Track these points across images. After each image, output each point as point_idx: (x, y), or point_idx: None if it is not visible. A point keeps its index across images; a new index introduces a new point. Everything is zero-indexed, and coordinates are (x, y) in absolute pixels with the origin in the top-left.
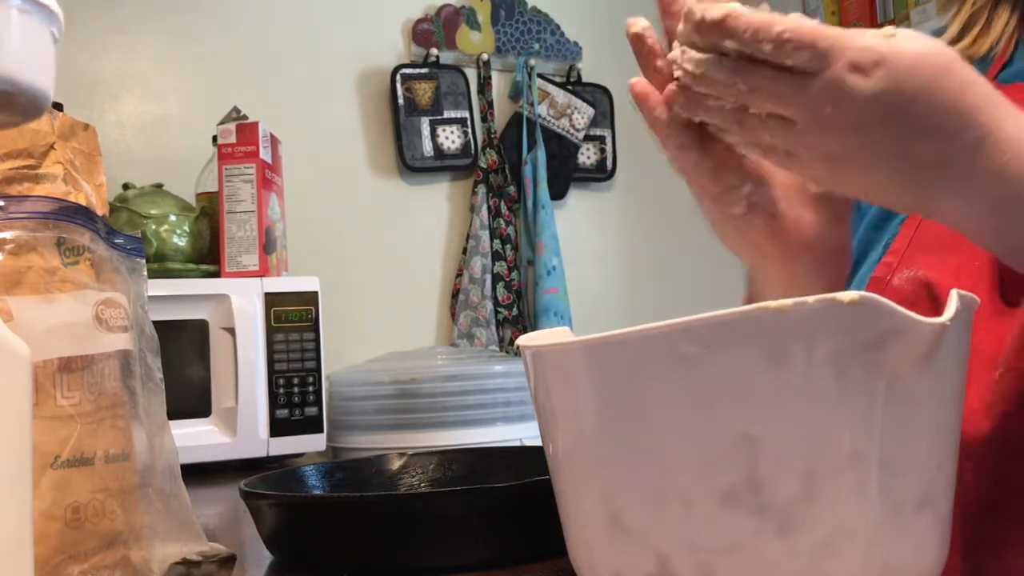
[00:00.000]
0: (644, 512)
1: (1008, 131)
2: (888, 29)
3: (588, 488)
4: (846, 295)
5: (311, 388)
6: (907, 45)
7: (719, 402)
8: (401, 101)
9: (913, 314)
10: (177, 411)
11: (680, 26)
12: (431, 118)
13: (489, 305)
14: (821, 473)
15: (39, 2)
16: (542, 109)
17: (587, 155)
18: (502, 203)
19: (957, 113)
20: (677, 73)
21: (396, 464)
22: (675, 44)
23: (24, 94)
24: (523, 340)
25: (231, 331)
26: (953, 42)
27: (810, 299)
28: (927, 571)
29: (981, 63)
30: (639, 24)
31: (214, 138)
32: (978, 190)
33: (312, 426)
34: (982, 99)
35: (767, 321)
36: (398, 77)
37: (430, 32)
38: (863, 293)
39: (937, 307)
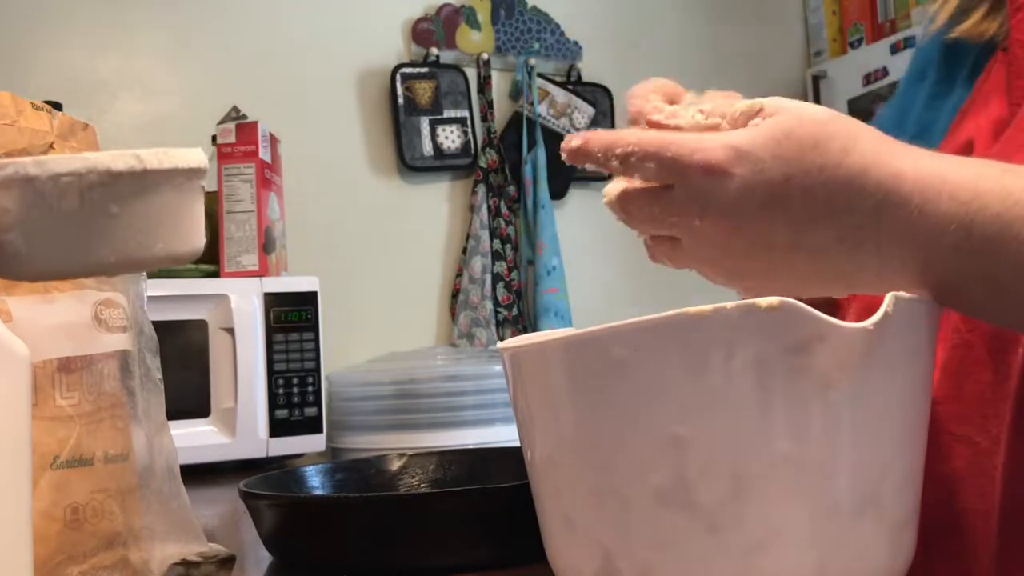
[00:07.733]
0: (588, 511)
1: (907, 182)
2: (756, 103)
3: (545, 488)
4: (764, 301)
5: (311, 388)
6: (764, 128)
7: (648, 403)
8: (401, 101)
9: (834, 320)
10: (176, 411)
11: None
12: (431, 118)
13: (489, 305)
14: (748, 475)
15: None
16: (542, 109)
17: None
18: (502, 203)
19: (839, 188)
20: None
21: (396, 464)
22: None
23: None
24: (502, 344)
25: (230, 331)
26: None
27: (729, 305)
28: (873, 574)
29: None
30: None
31: (213, 138)
32: (900, 254)
33: (312, 426)
34: (867, 159)
35: (686, 327)
36: (398, 76)
37: (430, 31)
38: (783, 299)
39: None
